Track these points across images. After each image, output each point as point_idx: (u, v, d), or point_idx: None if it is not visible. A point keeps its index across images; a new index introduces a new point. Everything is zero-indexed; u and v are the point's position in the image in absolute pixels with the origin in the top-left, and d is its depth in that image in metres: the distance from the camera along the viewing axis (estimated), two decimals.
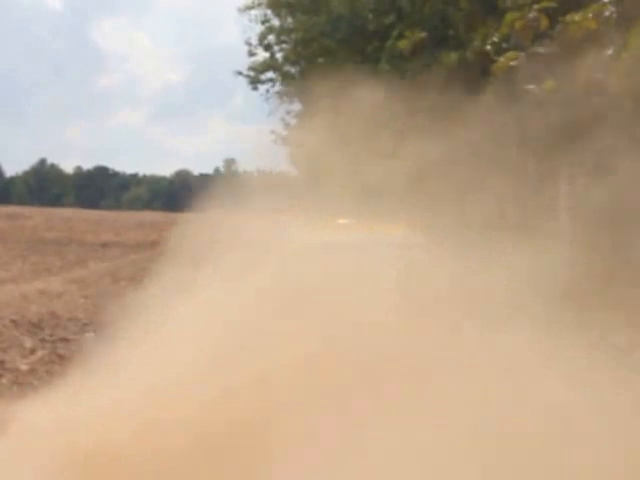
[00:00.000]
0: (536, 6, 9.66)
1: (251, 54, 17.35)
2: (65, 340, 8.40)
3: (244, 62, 17.62)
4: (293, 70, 16.40)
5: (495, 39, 10.43)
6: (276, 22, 17.09)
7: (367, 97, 11.95)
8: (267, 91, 17.83)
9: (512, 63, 10.04)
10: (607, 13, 8.35)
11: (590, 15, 8.77)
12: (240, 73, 17.27)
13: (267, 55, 17.39)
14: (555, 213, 10.60)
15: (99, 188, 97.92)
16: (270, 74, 17.52)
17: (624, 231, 9.58)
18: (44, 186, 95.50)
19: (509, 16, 10.06)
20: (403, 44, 11.61)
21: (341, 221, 8.73)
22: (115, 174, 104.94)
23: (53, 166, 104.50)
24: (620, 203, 10.06)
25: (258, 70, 17.30)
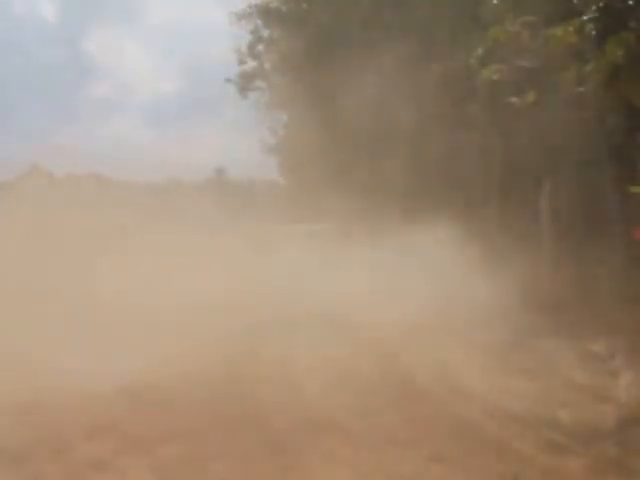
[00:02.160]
0: (518, 20, 9.80)
1: (241, 62, 17.54)
2: None
3: (235, 73, 17.89)
4: (281, 80, 16.53)
5: (479, 52, 10.55)
6: (266, 33, 17.24)
7: (352, 108, 12.02)
8: (256, 100, 18.06)
9: (495, 76, 10.18)
10: (587, 29, 8.51)
11: (571, 29, 8.92)
12: (229, 80, 17.48)
13: (256, 64, 17.57)
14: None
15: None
16: (259, 83, 17.71)
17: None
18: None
19: (492, 30, 10.20)
20: (390, 57, 11.70)
21: None
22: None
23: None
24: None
25: (247, 77, 17.50)
